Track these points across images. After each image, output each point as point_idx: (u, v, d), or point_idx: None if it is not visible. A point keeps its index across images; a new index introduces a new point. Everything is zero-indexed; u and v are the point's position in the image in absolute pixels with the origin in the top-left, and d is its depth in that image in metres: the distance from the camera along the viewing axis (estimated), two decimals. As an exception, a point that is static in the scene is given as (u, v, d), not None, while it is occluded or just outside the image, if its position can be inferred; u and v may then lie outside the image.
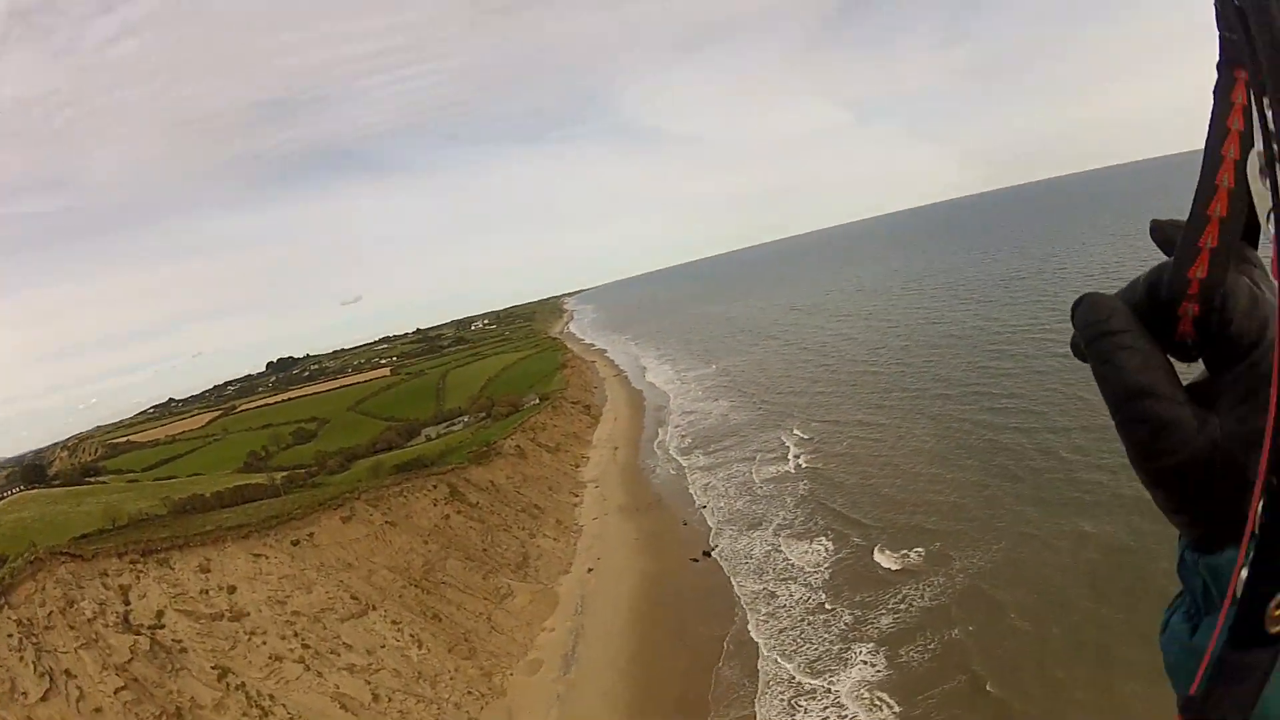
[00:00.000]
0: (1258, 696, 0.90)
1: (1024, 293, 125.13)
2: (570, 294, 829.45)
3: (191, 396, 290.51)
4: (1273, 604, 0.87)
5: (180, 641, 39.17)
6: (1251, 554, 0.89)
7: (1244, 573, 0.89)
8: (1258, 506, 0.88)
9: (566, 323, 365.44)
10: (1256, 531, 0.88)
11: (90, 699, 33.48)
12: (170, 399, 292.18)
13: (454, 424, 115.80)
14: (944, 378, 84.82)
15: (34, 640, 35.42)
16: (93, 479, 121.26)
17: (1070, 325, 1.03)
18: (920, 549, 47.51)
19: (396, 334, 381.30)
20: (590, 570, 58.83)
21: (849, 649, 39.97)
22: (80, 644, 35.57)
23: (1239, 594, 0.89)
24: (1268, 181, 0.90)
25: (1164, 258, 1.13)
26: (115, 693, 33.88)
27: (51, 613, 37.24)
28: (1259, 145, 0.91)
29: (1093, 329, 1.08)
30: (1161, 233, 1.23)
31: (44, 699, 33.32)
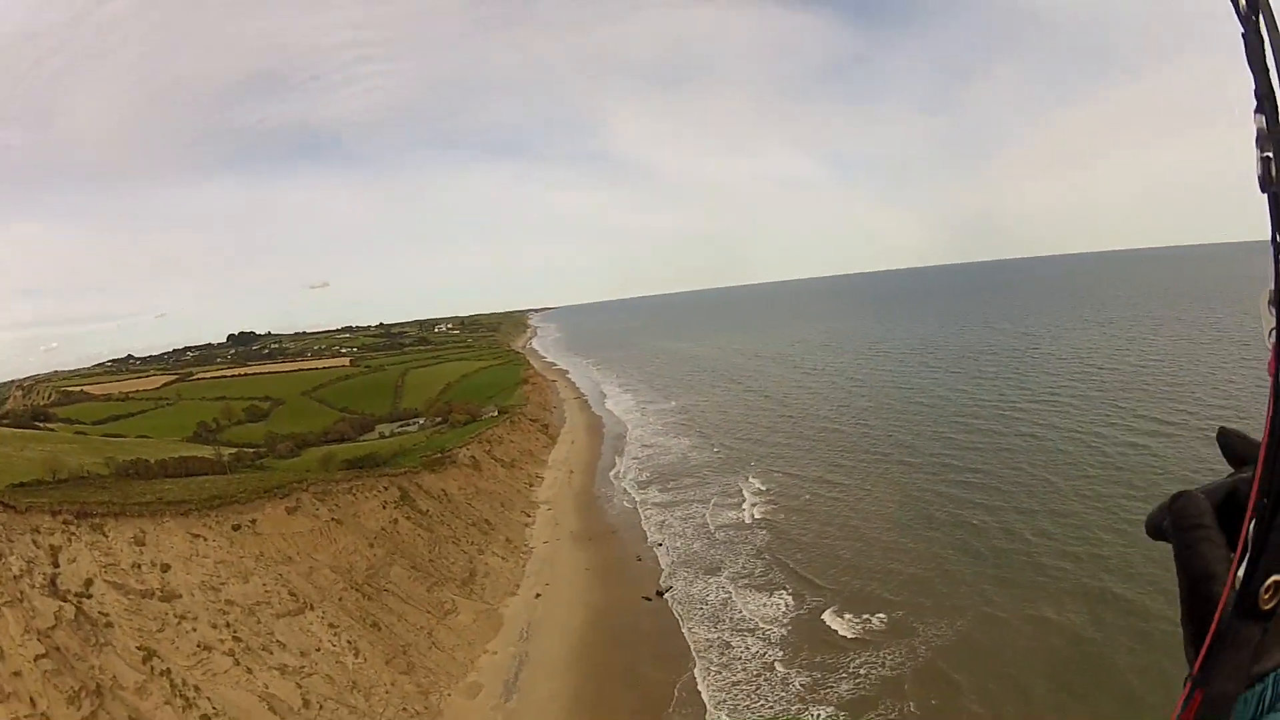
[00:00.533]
0: (1249, 667, 1.19)
1: (995, 368, 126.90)
2: (535, 310, 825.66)
3: (150, 356, 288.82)
4: (1263, 589, 1.16)
5: (107, 615, 36.62)
6: (1247, 556, 1.19)
7: (1240, 571, 1.19)
8: (1249, 524, 1.21)
9: (530, 338, 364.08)
10: (1248, 544, 1.20)
11: (10, 661, 30.98)
12: (129, 355, 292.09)
13: (409, 425, 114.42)
14: (908, 445, 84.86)
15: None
16: (42, 424, 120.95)
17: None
18: (881, 615, 46.86)
19: (360, 325, 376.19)
20: (538, 595, 57.23)
21: (805, 710, 38.93)
22: (3, 601, 33.05)
23: (1236, 585, 1.19)
24: (1273, 310, 1.24)
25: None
26: (35, 659, 31.41)
27: (-23, 560, 34.92)
28: (1272, 284, 1.22)
29: (1188, 521, 1.38)
30: (1228, 441, 1.57)
31: (-37, 650, 31.11)
